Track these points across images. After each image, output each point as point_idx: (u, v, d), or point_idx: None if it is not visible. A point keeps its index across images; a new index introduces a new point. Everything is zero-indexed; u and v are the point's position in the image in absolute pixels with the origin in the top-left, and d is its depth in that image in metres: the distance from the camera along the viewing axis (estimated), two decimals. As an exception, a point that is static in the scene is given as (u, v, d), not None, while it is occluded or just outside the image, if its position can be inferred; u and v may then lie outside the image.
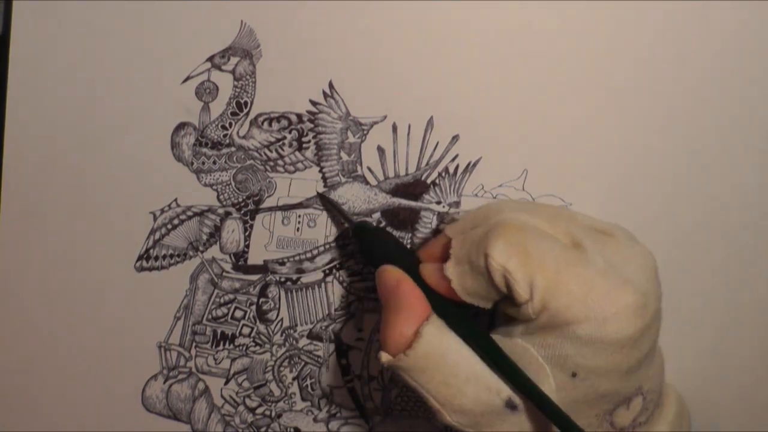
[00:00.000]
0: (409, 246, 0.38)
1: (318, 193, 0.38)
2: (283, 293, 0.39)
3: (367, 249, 0.36)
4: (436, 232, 0.38)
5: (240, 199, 0.38)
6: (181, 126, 0.38)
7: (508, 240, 0.31)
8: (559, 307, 0.30)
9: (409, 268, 0.34)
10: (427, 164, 0.38)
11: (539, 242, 0.31)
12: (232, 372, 0.40)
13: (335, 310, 0.39)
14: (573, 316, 0.30)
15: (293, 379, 0.40)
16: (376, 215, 0.39)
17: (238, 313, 0.39)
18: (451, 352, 0.31)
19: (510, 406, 0.31)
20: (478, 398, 0.31)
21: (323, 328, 0.40)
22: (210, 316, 0.39)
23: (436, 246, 0.34)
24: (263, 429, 0.41)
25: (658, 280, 0.33)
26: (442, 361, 0.31)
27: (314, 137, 0.38)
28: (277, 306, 0.39)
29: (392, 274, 0.33)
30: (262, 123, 0.38)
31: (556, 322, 0.30)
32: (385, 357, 0.32)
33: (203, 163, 0.38)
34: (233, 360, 0.40)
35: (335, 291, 0.39)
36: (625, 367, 0.31)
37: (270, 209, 0.38)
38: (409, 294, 0.32)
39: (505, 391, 0.31)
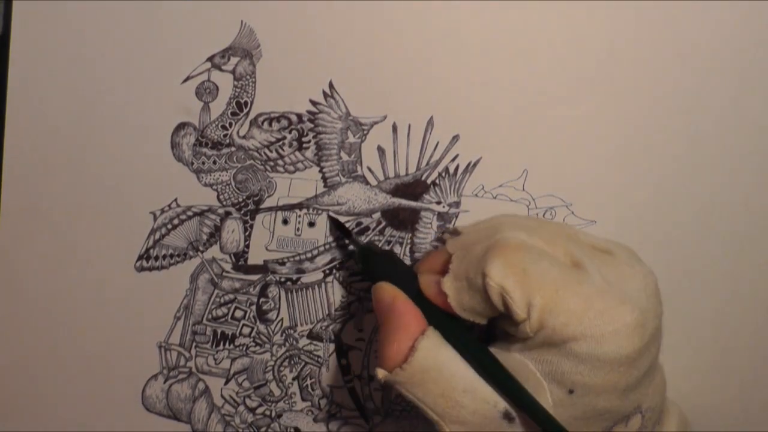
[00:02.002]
0: (408, 247, 0.38)
1: (329, 215, 0.38)
2: (283, 293, 0.39)
3: (373, 271, 0.36)
4: (439, 240, 0.38)
5: (240, 199, 0.38)
6: (181, 126, 0.38)
7: (506, 259, 0.31)
8: (556, 326, 0.30)
9: (411, 289, 0.34)
10: (427, 164, 0.38)
11: (538, 262, 0.31)
12: (232, 372, 0.40)
13: (335, 310, 0.39)
14: (571, 334, 0.30)
15: (293, 379, 0.40)
16: (376, 215, 0.39)
17: (238, 313, 0.39)
18: (448, 365, 0.31)
19: (507, 417, 0.31)
20: (476, 410, 0.31)
21: (323, 328, 0.40)
22: (210, 316, 0.39)
23: (437, 260, 0.34)
24: (263, 429, 0.41)
25: (658, 300, 0.33)
26: (438, 374, 0.31)
27: (314, 137, 0.38)
28: (277, 306, 0.39)
29: (387, 291, 0.34)
30: (262, 123, 0.38)
31: (553, 340, 0.30)
32: (381, 373, 0.32)
33: (203, 163, 0.38)
34: (233, 360, 0.40)
35: (335, 291, 0.39)
36: (623, 385, 0.31)
37: (270, 209, 0.38)
38: (405, 310, 0.33)
39: (502, 402, 0.31)
